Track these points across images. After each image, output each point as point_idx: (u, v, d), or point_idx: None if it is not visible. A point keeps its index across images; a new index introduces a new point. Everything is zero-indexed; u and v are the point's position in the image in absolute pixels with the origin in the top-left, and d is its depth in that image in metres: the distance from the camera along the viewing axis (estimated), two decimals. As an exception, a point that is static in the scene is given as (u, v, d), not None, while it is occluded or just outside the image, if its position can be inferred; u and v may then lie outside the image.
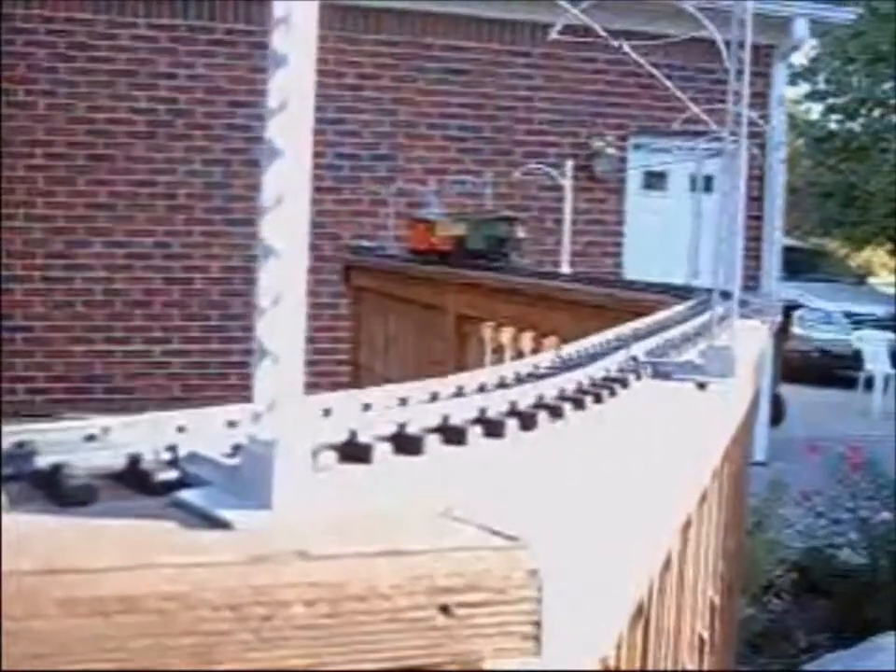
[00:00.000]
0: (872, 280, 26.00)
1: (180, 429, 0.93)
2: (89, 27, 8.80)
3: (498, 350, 5.22)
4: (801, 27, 10.36)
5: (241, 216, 8.95)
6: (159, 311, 9.12)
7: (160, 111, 9.05)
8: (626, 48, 2.93)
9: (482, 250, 5.93)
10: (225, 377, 9.11)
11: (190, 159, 9.15)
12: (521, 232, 6.04)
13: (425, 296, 6.35)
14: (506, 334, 5.15)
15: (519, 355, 4.99)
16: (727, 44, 2.29)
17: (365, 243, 8.50)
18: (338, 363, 8.94)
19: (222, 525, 0.72)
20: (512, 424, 1.14)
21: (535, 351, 4.83)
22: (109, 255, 8.98)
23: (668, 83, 3.27)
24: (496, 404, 1.20)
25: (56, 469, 0.78)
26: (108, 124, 8.92)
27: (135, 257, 9.03)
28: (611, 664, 1.26)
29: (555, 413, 1.23)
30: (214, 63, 9.15)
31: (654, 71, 3.18)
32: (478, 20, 9.84)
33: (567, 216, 6.29)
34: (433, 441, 1.02)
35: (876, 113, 24.49)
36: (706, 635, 2.31)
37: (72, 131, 8.83)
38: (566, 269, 6.10)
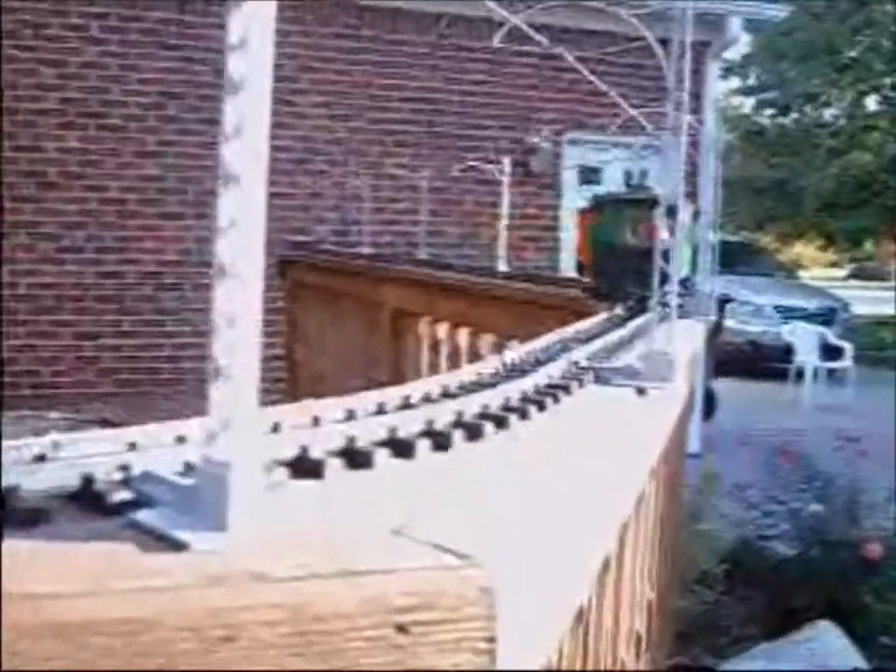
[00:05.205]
0: (802, 274, 26.44)
1: (131, 446, 0.93)
2: (14, 15, 8.63)
3: (434, 346, 5.23)
4: (735, 25, 10.51)
5: (174, 209, 8.87)
6: (90, 305, 9.00)
7: (91, 101, 8.92)
8: (565, 52, 2.96)
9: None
10: (156, 372, 9.01)
11: (123, 151, 9.04)
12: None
13: (361, 291, 6.34)
14: (442, 330, 5.17)
15: (455, 350, 5.01)
16: (664, 43, 2.31)
17: (302, 237, 8.47)
18: (273, 358, 8.89)
19: (179, 546, 0.72)
20: (458, 436, 1.15)
21: (471, 347, 4.85)
22: (40, 248, 8.83)
23: (600, 83, 3.30)
24: (442, 416, 1.21)
25: (7, 491, 0.78)
26: (36, 115, 8.77)
27: (67, 250, 8.90)
28: (553, 665, 1.29)
29: (501, 423, 1.25)
30: (146, 53, 9.03)
31: (590, 75, 3.21)
32: (418, 14, 9.83)
33: (505, 212, 6.30)
34: (382, 456, 1.03)
35: (808, 109, 24.83)
36: (643, 631, 2.35)
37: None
38: (502, 265, 6.10)
